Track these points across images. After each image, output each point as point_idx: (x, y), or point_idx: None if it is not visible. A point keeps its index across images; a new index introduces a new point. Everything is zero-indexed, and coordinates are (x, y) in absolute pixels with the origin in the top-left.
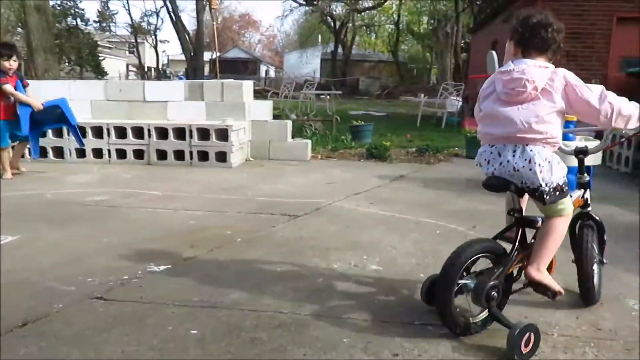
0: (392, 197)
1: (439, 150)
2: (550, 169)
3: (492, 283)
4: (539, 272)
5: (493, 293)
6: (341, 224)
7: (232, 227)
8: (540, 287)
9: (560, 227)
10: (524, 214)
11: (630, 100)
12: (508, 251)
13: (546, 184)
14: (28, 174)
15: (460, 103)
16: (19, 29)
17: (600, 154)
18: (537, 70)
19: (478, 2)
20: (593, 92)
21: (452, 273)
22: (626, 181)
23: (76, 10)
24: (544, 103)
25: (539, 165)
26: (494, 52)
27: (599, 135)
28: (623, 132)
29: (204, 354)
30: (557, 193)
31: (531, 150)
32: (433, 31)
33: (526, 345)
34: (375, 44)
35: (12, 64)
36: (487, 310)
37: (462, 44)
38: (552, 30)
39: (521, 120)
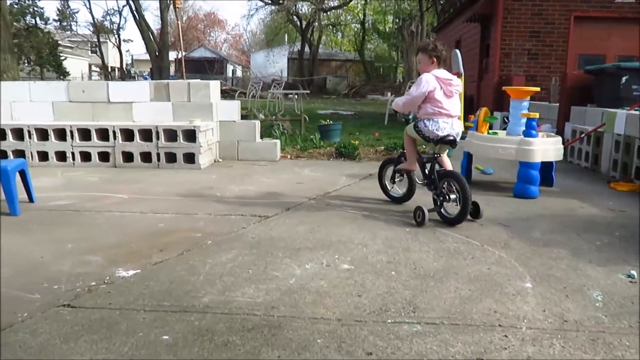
0: (362, 195)
1: None
2: None
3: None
4: None
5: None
6: (311, 223)
7: (201, 230)
8: None
9: None
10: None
11: (587, 95)
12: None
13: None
14: None
15: None
16: None
17: (562, 149)
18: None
19: (441, 2)
20: None
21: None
22: (586, 175)
23: (35, 8)
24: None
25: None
26: (457, 50)
27: (559, 131)
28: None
29: (176, 359)
30: None
31: (458, 121)
32: (398, 30)
33: None
34: (342, 43)
35: None
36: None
37: None
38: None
39: (458, 107)
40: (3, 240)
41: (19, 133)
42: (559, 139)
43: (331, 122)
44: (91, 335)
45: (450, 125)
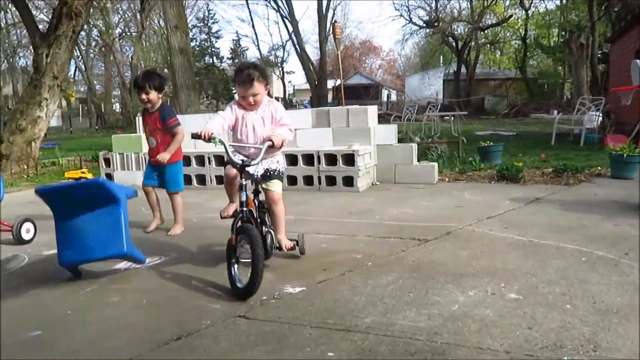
0: (528, 221)
1: (579, 170)
2: None
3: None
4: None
5: None
6: (474, 249)
7: (362, 251)
8: None
9: None
10: None
11: None
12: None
13: None
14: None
15: (601, 118)
16: (165, 70)
17: None
18: None
19: (615, 10)
20: None
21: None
22: None
23: (212, 49)
24: None
25: None
26: (638, 61)
27: None
28: None
29: None
30: None
31: None
32: (565, 43)
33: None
34: (501, 61)
35: (144, 96)
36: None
37: (599, 55)
38: None
39: None
40: (194, 252)
41: (200, 159)
42: None
43: (491, 143)
44: (265, 346)
45: None
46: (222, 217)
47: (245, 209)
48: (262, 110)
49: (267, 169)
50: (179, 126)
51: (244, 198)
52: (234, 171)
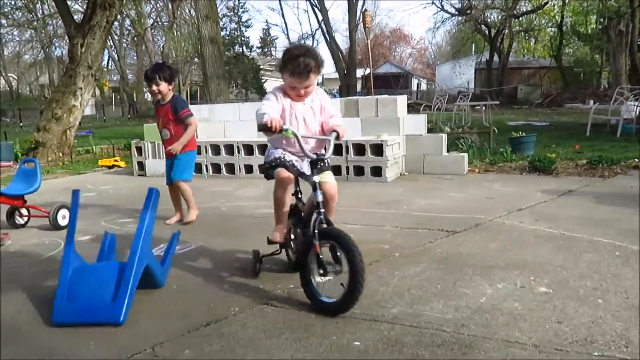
0: (560, 214)
1: (615, 162)
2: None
3: None
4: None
5: None
6: (503, 241)
7: (389, 242)
8: None
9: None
10: None
11: None
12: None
13: None
14: (204, 189)
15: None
16: (196, 59)
17: None
18: None
19: None
20: None
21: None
22: None
23: (242, 38)
24: None
25: None
26: None
27: None
28: None
29: None
30: None
31: None
32: (603, 30)
33: None
34: (535, 49)
35: (155, 88)
36: None
37: (639, 43)
38: None
39: None
40: (224, 240)
41: (229, 148)
42: None
43: (523, 133)
44: (291, 334)
45: None
46: (270, 243)
47: (323, 209)
48: (310, 100)
49: None
50: (191, 117)
51: (320, 198)
52: (290, 175)
